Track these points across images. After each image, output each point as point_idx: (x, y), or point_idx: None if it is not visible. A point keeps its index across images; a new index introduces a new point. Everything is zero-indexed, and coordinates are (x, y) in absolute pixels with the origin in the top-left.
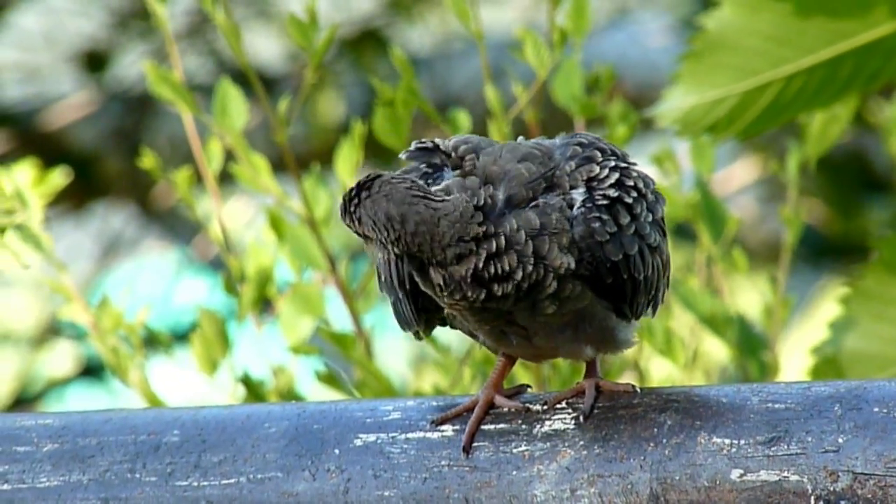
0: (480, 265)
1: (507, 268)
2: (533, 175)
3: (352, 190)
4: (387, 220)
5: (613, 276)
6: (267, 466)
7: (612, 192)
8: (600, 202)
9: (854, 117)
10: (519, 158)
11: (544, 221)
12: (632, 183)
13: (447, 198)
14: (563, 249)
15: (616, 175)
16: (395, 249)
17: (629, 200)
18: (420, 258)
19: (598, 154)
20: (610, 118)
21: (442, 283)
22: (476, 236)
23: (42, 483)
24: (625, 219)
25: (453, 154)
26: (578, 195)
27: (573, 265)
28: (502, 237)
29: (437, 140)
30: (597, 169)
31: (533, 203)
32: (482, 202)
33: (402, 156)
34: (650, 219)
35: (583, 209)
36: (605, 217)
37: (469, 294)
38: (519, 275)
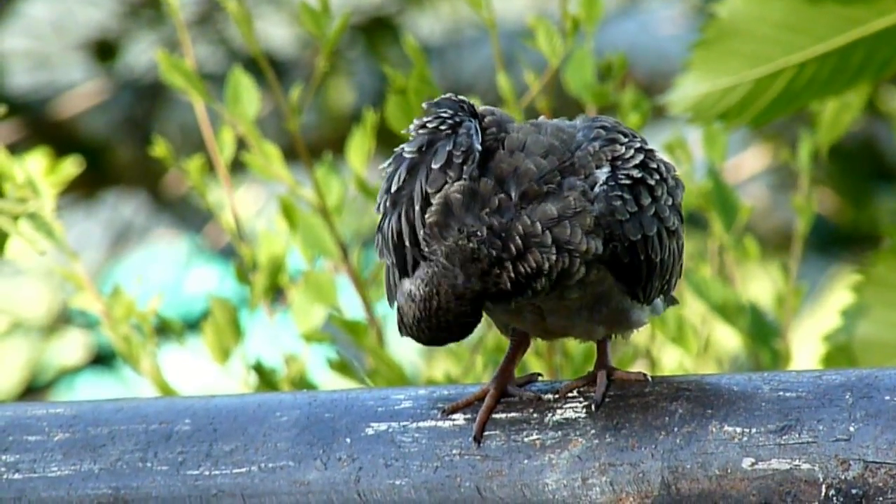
0: (513, 275)
1: (533, 265)
2: (543, 170)
3: None
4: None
5: (631, 257)
6: (278, 455)
7: (636, 173)
8: (623, 181)
9: (866, 105)
10: (539, 153)
11: (562, 206)
12: (655, 165)
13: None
14: (587, 232)
15: (641, 157)
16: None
17: (651, 182)
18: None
19: (622, 136)
20: (622, 106)
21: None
22: (493, 258)
23: (53, 472)
24: (646, 200)
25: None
26: (602, 174)
27: (600, 248)
28: (517, 238)
29: (472, 101)
30: (622, 149)
31: (549, 191)
32: (482, 235)
33: (426, 105)
34: (670, 202)
35: (605, 187)
36: (626, 196)
37: (514, 299)
38: (546, 266)
